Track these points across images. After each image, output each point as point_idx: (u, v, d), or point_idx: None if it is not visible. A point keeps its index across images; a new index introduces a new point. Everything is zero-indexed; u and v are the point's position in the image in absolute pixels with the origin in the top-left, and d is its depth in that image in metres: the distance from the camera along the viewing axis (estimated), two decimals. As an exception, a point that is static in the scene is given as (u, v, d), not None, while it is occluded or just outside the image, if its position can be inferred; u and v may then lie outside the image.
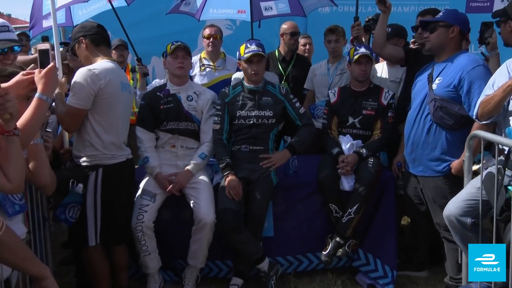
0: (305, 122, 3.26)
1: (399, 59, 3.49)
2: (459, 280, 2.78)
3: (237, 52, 3.23)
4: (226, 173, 3.05)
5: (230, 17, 5.15)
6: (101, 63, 2.72)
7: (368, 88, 3.36)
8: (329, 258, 3.09)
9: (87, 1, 4.03)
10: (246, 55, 3.09)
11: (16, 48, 2.62)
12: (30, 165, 1.98)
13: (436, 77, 2.87)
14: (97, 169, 2.71)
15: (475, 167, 2.66)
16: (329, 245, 3.10)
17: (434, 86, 2.85)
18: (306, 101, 4.11)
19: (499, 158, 2.35)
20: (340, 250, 3.06)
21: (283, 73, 4.24)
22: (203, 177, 3.14)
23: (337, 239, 3.06)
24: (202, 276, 3.18)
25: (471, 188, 2.53)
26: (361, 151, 3.19)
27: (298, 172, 3.33)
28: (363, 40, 3.80)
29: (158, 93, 3.24)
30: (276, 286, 3.05)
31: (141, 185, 3.10)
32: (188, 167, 3.12)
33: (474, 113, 2.54)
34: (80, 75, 2.63)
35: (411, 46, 3.80)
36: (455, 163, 2.80)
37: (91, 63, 2.75)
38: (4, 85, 1.97)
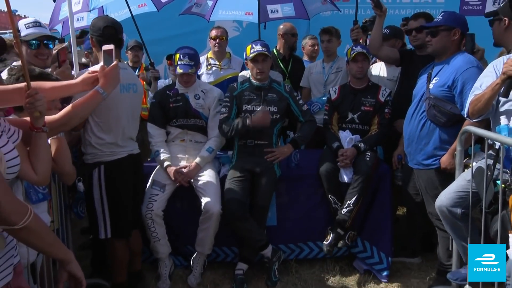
0: (307, 118, 3.30)
1: (395, 60, 3.52)
2: (449, 266, 2.80)
3: (244, 53, 3.26)
4: (247, 121, 3.05)
5: (238, 19, 5.14)
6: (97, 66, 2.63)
7: (366, 86, 3.39)
8: (331, 248, 3.09)
9: (90, 11, 4.03)
10: (251, 55, 3.12)
11: (49, 44, 2.60)
12: (55, 156, 2.01)
13: (434, 77, 2.87)
14: (99, 166, 2.68)
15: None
16: (329, 236, 3.11)
17: (431, 85, 2.85)
18: (302, 98, 4.13)
19: (488, 152, 2.37)
20: (341, 241, 3.08)
21: (286, 71, 4.26)
22: (210, 170, 3.17)
23: (338, 230, 3.07)
24: (210, 261, 3.23)
25: (462, 181, 2.55)
26: (359, 145, 3.21)
27: (300, 165, 3.36)
28: (361, 41, 3.81)
29: (167, 92, 3.28)
30: (279, 271, 3.10)
31: (152, 176, 3.15)
32: (196, 160, 3.15)
33: (465, 111, 2.56)
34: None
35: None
36: (443, 158, 2.82)
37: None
38: (70, 82, 2.06)
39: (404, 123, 3.10)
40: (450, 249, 2.78)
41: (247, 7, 4.68)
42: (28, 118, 1.65)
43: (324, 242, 3.13)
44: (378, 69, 3.88)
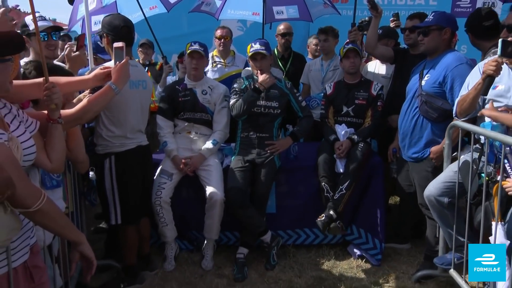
0: (306, 114, 3.33)
1: (389, 58, 3.53)
2: (436, 252, 2.82)
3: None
4: (255, 85, 3.10)
5: (245, 18, 5.13)
6: (111, 62, 2.59)
7: (359, 81, 3.42)
8: (323, 224, 2.99)
9: (103, 7, 4.04)
10: (250, 53, 3.16)
11: (53, 36, 2.62)
12: (70, 146, 2.03)
13: (426, 74, 2.87)
14: (110, 156, 2.71)
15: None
16: (323, 217, 3.05)
17: (423, 82, 2.85)
18: (302, 94, 4.13)
19: (474, 146, 2.38)
20: (333, 223, 3.07)
21: (283, 69, 4.27)
22: (214, 160, 3.20)
23: (331, 212, 3.03)
24: (213, 245, 3.27)
25: (449, 172, 2.56)
26: (353, 137, 3.25)
27: (298, 157, 3.38)
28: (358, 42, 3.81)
29: (177, 87, 3.30)
30: (277, 255, 3.14)
31: (160, 166, 3.18)
32: (201, 151, 3.18)
33: (454, 111, 2.56)
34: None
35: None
36: (434, 148, 2.82)
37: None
38: (83, 77, 2.11)
39: (399, 119, 3.10)
40: (437, 236, 2.80)
41: (255, 7, 4.68)
42: (45, 111, 1.68)
43: (318, 219, 3.07)
44: (373, 67, 3.90)
